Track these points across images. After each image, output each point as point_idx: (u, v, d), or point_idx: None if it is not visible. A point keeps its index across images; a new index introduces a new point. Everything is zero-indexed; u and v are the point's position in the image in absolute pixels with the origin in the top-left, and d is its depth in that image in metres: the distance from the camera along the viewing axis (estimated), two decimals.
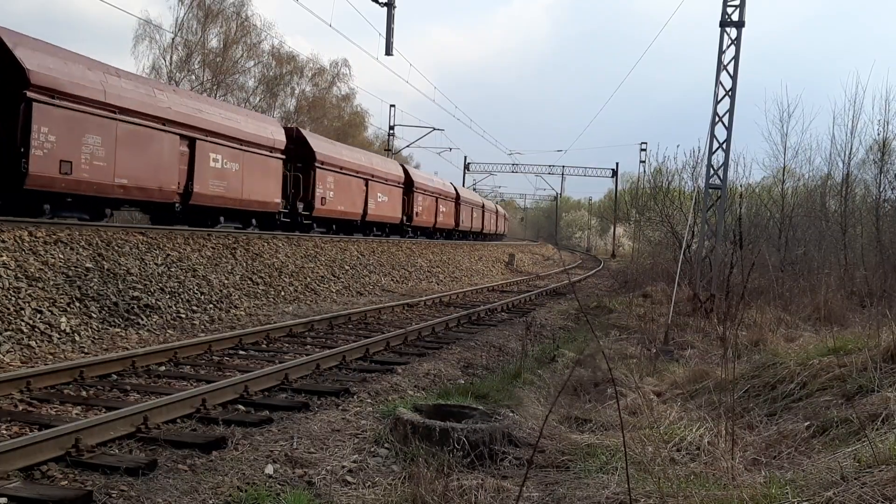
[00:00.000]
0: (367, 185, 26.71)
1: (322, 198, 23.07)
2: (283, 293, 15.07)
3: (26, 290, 9.61)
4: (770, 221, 18.97)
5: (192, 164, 16.44)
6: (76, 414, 6.23)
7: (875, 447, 4.09)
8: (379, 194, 28.01)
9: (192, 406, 6.31)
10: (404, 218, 31.20)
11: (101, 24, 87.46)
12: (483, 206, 49.07)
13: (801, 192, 20.96)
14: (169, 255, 13.17)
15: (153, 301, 11.36)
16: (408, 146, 54.05)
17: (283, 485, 4.71)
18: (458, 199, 40.33)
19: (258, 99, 45.24)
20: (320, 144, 23.90)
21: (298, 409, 6.76)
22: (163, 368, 8.24)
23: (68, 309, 9.86)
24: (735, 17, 15.07)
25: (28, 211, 12.78)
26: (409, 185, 31.68)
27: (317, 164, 22.64)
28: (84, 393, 6.95)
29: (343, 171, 24.62)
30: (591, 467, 4.93)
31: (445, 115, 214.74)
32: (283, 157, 20.85)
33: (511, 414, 6.09)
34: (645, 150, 52.37)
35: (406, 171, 32.23)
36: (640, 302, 16.26)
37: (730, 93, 15.05)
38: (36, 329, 9.02)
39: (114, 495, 4.39)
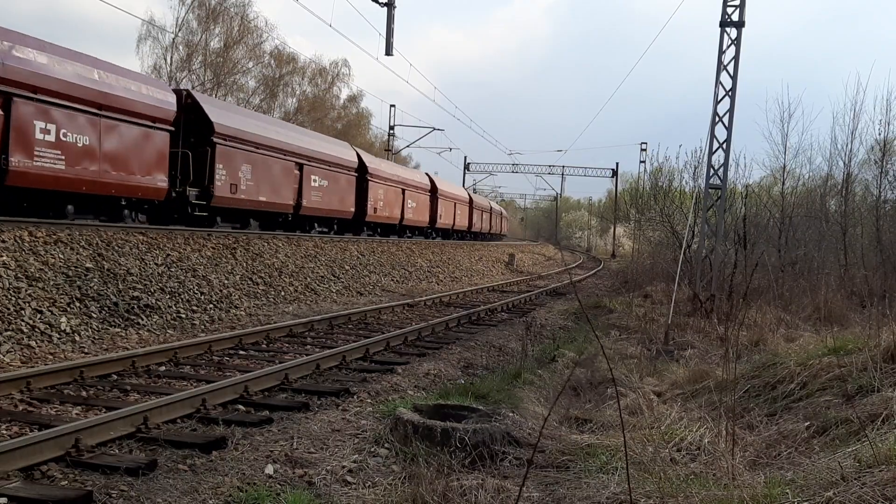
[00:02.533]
0: (403, 193, 30.68)
1: (374, 206, 27.20)
2: (283, 293, 15.07)
3: (26, 290, 9.61)
4: (770, 221, 18.94)
5: (301, 184, 21.53)
6: (76, 414, 6.23)
7: (875, 447, 4.08)
8: (413, 202, 31.76)
9: (192, 406, 6.31)
10: (430, 222, 34.90)
11: (106, 24, 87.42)
12: (490, 209, 53.30)
13: (801, 191, 20.93)
14: (169, 255, 13.17)
15: (153, 301, 11.36)
16: (408, 146, 54.21)
17: (283, 485, 4.71)
18: (470, 202, 44.53)
19: (258, 99, 45.21)
20: (371, 160, 27.93)
21: (298, 409, 6.76)
22: (163, 368, 8.24)
23: (68, 309, 9.86)
24: (735, 18, 15.07)
25: (208, 223, 17.44)
26: (433, 192, 35.20)
27: (368, 177, 26.59)
28: (84, 393, 6.95)
29: (387, 183, 28.68)
30: (591, 467, 4.93)
31: (445, 115, 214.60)
32: (357, 174, 25.43)
33: (511, 414, 6.09)
34: (645, 150, 52.32)
35: (431, 180, 35.78)
36: (640, 302, 16.25)
37: (730, 93, 15.05)
38: (36, 329, 9.02)
39: (114, 495, 4.39)
